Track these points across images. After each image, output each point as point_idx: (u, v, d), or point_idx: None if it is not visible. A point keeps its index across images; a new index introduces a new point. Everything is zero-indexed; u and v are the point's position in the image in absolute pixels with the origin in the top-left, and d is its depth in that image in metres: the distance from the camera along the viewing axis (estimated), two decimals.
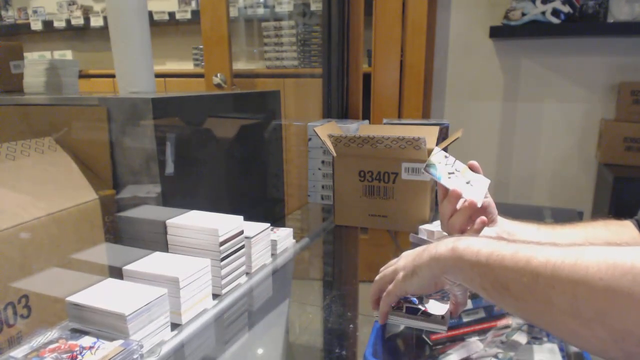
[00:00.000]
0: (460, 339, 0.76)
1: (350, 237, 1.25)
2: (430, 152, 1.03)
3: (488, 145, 2.18)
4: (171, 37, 3.07)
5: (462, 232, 0.71)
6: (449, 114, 2.20)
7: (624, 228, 0.74)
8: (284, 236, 0.93)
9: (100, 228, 0.96)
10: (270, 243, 0.88)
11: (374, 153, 1.02)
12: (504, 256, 0.47)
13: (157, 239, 0.76)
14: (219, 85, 2.22)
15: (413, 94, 2.05)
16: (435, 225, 1.01)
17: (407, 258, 0.61)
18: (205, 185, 1.22)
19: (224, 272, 0.73)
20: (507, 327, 0.77)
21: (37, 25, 3.20)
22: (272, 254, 0.89)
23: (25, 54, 1.58)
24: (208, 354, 0.66)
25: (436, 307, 0.71)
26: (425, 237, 0.99)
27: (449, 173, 0.73)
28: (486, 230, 0.70)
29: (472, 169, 0.75)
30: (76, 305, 0.57)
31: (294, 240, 0.97)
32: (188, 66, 3.03)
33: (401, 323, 0.69)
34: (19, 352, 0.52)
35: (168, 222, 0.75)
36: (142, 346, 0.55)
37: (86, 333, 0.56)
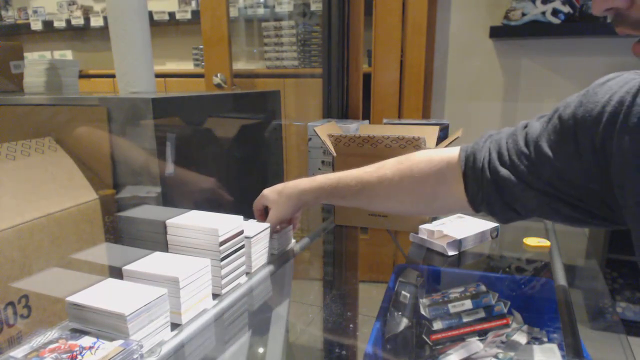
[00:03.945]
0: (460, 339, 0.76)
1: (350, 237, 1.25)
2: None
3: None
4: (171, 37, 3.07)
5: None
6: (449, 114, 2.20)
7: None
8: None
9: (100, 228, 0.96)
10: (270, 243, 0.88)
11: (374, 153, 1.02)
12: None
13: (157, 239, 0.76)
14: (219, 85, 2.23)
15: (413, 94, 2.05)
16: (435, 225, 1.01)
17: None
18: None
19: (224, 272, 0.73)
20: (507, 327, 0.77)
21: (37, 25, 3.20)
22: (272, 254, 0.89)
23: (25, 54, 1.58)
24: (208, 354, 0.66)
25: None
26: (425, 237, 0.98)
27: None
28: None
29: None
30: (76, 305, 0.57)
31: (294, 240, 0.97)
32: (188, 66, 3.03)
33: None
34: (19, 352, 0.52)
35: (168, 222, 0.75)
36: (142, 346, 0.55)
37: (86, 333, 0.56)
